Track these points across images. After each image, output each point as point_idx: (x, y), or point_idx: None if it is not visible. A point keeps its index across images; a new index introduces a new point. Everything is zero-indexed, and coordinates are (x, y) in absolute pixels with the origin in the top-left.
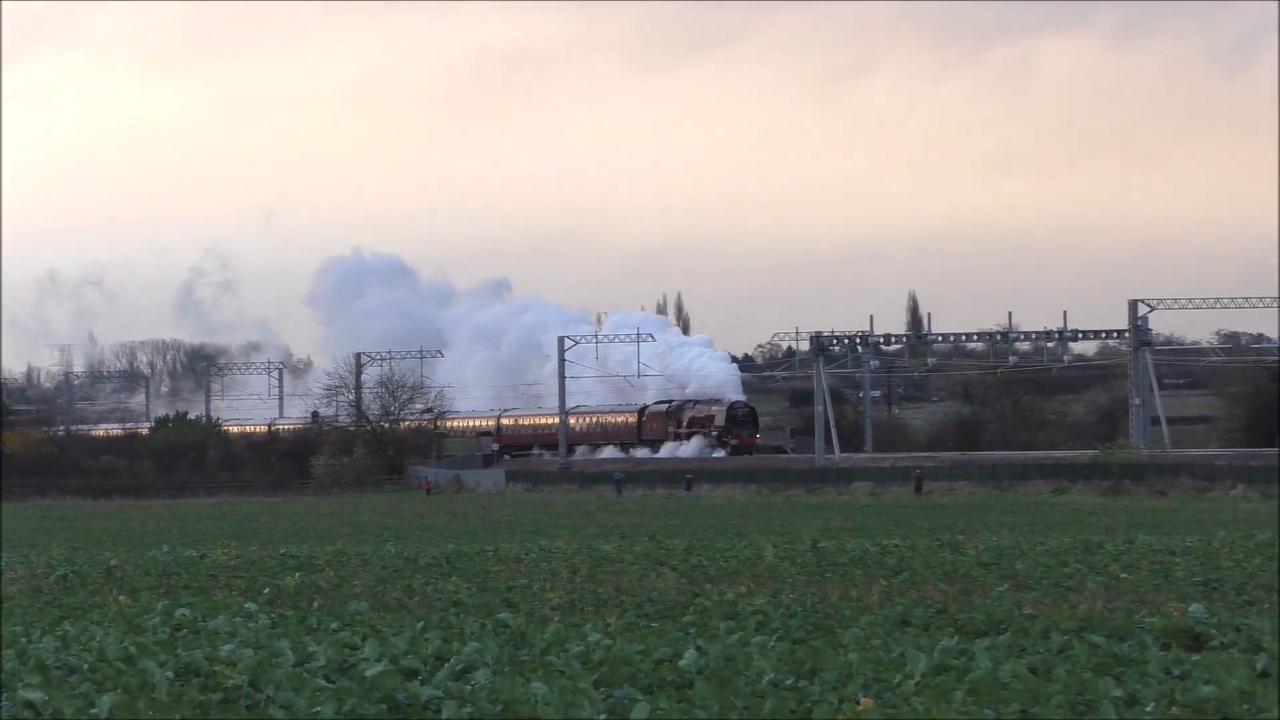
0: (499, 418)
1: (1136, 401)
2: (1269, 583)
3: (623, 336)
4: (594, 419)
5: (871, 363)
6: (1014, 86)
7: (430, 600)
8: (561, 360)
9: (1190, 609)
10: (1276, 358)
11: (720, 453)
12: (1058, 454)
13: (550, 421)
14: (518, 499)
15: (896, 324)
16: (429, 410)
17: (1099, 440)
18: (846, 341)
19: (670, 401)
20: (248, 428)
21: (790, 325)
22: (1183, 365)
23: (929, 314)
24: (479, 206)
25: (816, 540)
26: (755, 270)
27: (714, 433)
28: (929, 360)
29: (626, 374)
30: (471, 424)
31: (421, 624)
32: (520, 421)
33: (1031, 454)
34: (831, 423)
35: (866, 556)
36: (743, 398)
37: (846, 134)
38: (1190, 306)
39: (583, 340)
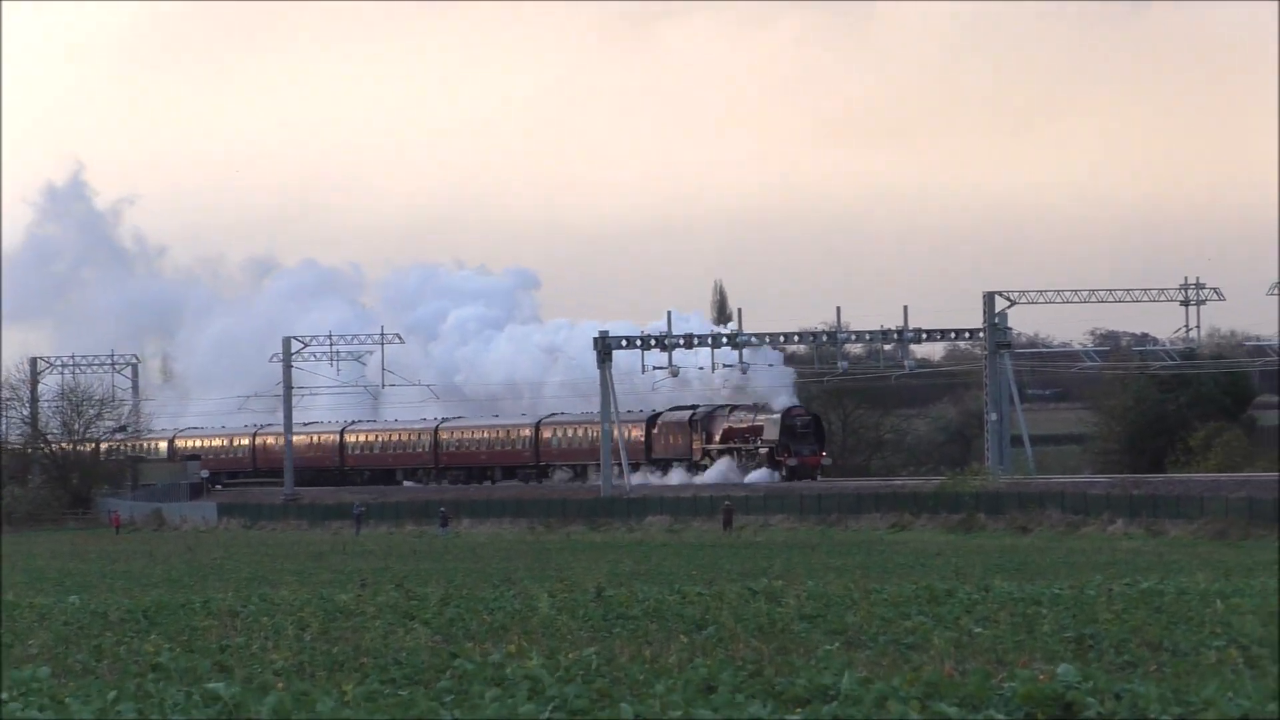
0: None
1: (993, 417)
2: (1155, 639)
3: (363, 337)
4: (576, 431)
5: (671, 368)
6: (853, 30)
7: (124, 664)
8: (287, 368)
9: (1059, 671)
10: (1164, 362)
11: (766, 476)
12: (897, 481)
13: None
14: (233, 537)
15: (699, 320)
16: (123, 429)
17: (947, 464)
18: (639, 342)
19: (695, 407)
20: None
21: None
22: (1050, 372)
23: (739, 309)
24: (202, 172)
25: (602, 587)
26: (531, 251)
27: (762, 450)
28: (739, 368)
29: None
30: (199, 444)
31: (113, 694)
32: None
33: (865, 481)
34: (621, 443)
35: (664, 607)
36: (798, 401)
37: (649, 87)
38: (1059, 300)
39: (311, 342)
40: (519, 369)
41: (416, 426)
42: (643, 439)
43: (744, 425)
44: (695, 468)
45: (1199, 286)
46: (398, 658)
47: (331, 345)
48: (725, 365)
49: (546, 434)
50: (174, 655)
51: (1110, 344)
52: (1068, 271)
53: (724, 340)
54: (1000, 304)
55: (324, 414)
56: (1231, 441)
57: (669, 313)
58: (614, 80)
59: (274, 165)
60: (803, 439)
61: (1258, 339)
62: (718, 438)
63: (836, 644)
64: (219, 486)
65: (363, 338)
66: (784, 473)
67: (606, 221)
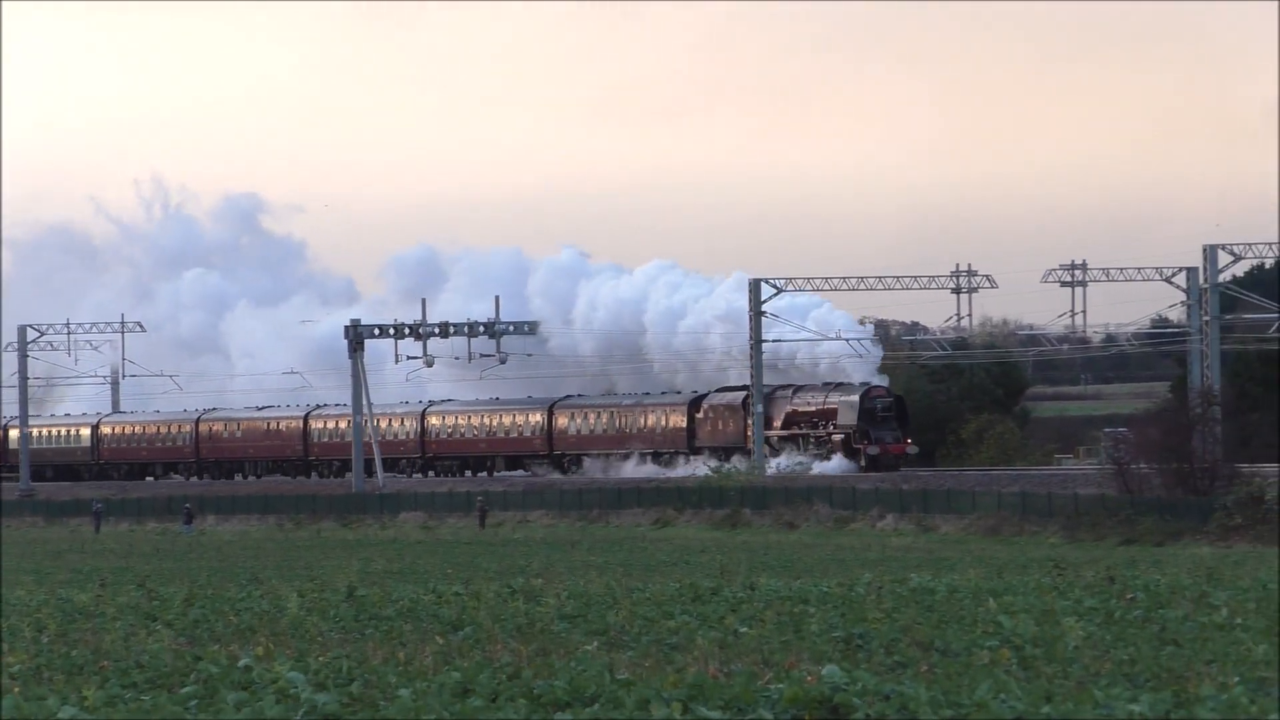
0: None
1: (759, 409)
2: (925, 638)
3: (102, 325)
4: (602, 416)
5: (426, 358)
6: (625, 7)
7: None
8: (23, 358)
9: (826, 672)
10: (935, 352)
11: (837, 465)
12: (660, 476)
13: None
14: None
15: (461, 308)
16: None
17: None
18: (393, 331)
19: (748, 388)
20: None
21: (317, 312)
22: None
23: (498, 297)
24: None
25: (354, 587)
26: (301, 229)
27: (836, 436)
28: (498, 358)
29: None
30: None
31: None
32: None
33: (626, 476)
34: (375, 438)
35: (418, 607)
36: (882, 380)
37: (413, 68)
38: (828, 288)
39: (49, 332)
40: (278, 353)
41: (400, 411)
42: (684, 425)
43: (812, 408)
44: (726, 456)
45: (970, 274)
46: (140, 661)
47: (69, 334)
48: (483, 355)
49: (563, 420)
50: None
51: (880, 333)
52: (836, 258)
53: (480, 329)
54: (767, 290)
55: (71, 406)
56: (1004, 434)
57: (423, 300)
58: (380, 59)
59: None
60: (884, 424)
61: (1030, 328)
62: (778, 423)
63: (596, 644)
64: None
65: (102, 325)
66: (863, 463)
67: (376, 202)
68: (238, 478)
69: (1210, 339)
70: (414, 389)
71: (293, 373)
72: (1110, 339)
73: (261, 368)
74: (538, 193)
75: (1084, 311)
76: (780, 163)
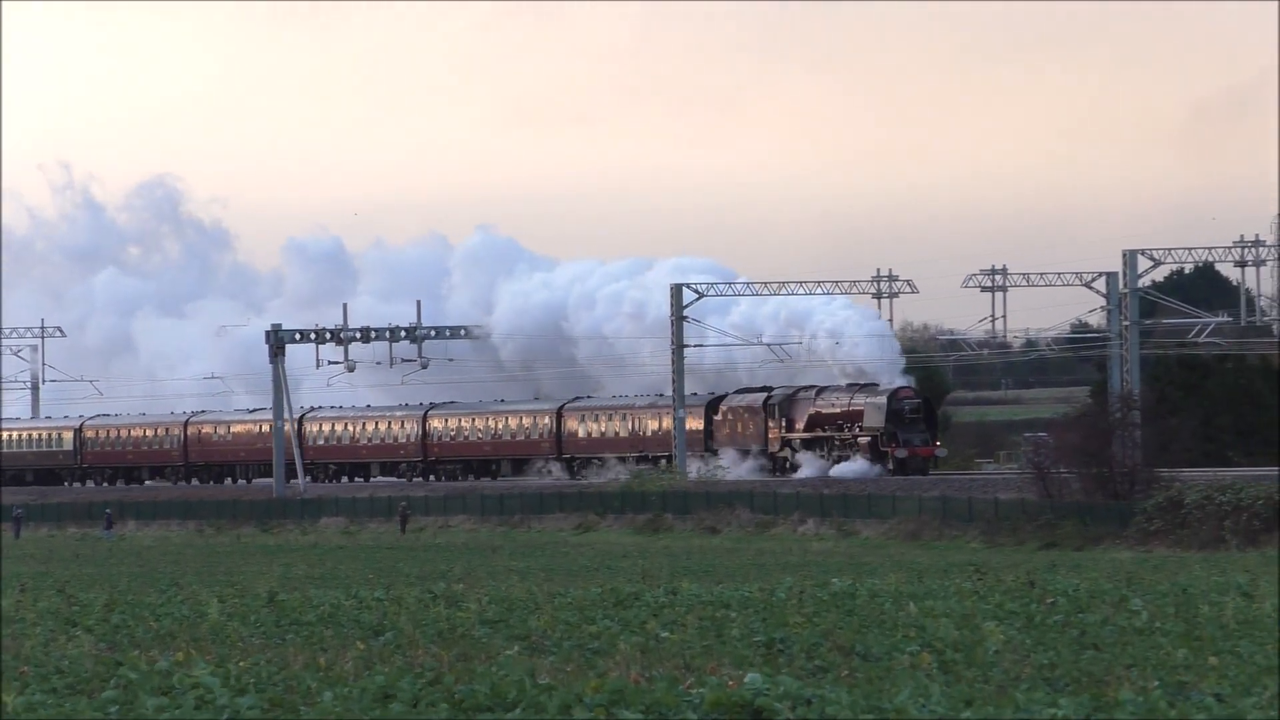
0: None
1: (681, 413)
2: (846, 643)
3: (22, 329)
4: (614, 419)
5: (347, 362)
6: (540, 12)
7: None
8: None
9: (747, 677)
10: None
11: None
12: (581, 480)
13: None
14: None
15: (377, 306)
16: None
17: (634, 461)
18: (314, 336)
19: (770, 390)
20: None
21: (245, 315)
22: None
23: (419, 301)
24: None
25: (275, 592)
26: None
27: (862, 439)
28: (420, 363)
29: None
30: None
31: None
32: None
33: (548, 481)
34: (296, 444)
35: (339, 612)
36: (909, 381)
37: (322, 78)
38: (749, 293)
39: None
40: (203, 356)
41: (400, 414)
42: (701, 427)
43: (837, 410)
44: (774, 461)
45: (891, 279)
46: (60, 666)
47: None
48: (404, 360)
49: (573, 423)
50: None
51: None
52: (759, 263)
53: (402, 334)
54: (688, 295)
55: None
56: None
57: (344, 305)
58: (292, 66)
59: None
60: (912, 426)
61: (951, 332)
62: (801, 425)
63: (518, 649)
64: None
65: (22, 330)
66: (891, 466)
67: (290, 208)
68: (228, 481)
69: (1130, 344)
70: (336, 394)
71: (213, 378)
72: (1030, 344)
73: (180, 371)
74: (461, 195)
75: (1004, 316)
76: (700, 166)
